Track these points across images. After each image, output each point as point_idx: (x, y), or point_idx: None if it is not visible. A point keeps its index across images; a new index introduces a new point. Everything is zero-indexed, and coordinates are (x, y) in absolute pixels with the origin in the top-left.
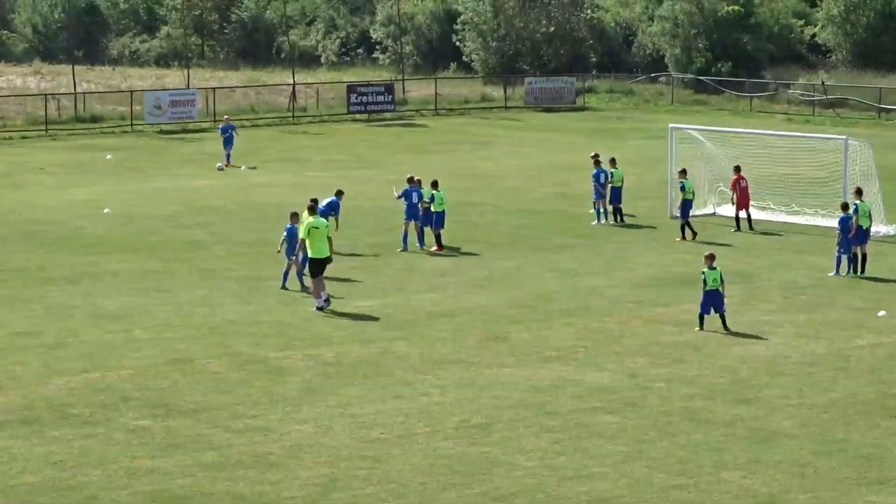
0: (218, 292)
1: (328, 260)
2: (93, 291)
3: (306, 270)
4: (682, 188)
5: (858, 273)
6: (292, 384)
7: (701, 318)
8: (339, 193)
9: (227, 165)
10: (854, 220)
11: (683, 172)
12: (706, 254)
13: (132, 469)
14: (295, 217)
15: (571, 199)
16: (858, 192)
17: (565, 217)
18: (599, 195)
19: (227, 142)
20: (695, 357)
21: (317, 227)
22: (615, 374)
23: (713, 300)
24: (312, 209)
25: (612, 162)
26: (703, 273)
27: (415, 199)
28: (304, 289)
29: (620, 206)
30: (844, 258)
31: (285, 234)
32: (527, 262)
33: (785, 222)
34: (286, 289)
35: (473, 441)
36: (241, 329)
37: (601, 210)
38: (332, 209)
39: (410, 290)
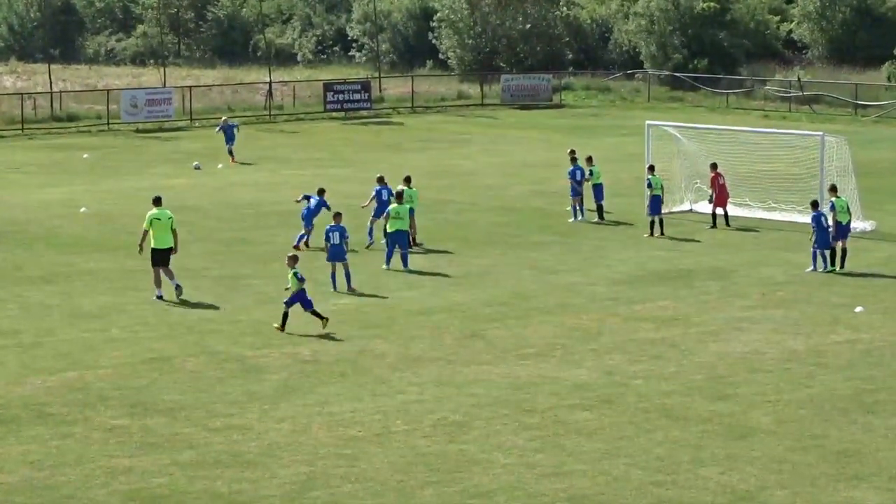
0: (195, 291)
1: (170, 251)
2: (70, 291)
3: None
4: (649, 185)
5: (837, 268)
6: (270, 382)
7: (285, 315)
8: (322, 192)
9: (232, 162)
10: (832, 216)
11: (651, 169)
12: (289, 255)
13: (109, 468)
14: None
15: (548, 196)
16: (833, 189)
17: (542, 214)
18: (576, 192)
19: (229, 138)
20: (672, 354)
21: (159, 219)
22: (593, 372)
23: (301, 298)
24: (157, 201)
25: (589, 160)
26: (296, 272)
27: (384, 196)
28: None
29: (602, 202)
30: (819, 254)
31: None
32: (504, 260)
33: (762, 219)
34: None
35: (451, 439)
36: (218, 327)
37: (577, 207)
38: (321, 207)
39: (388, 288)
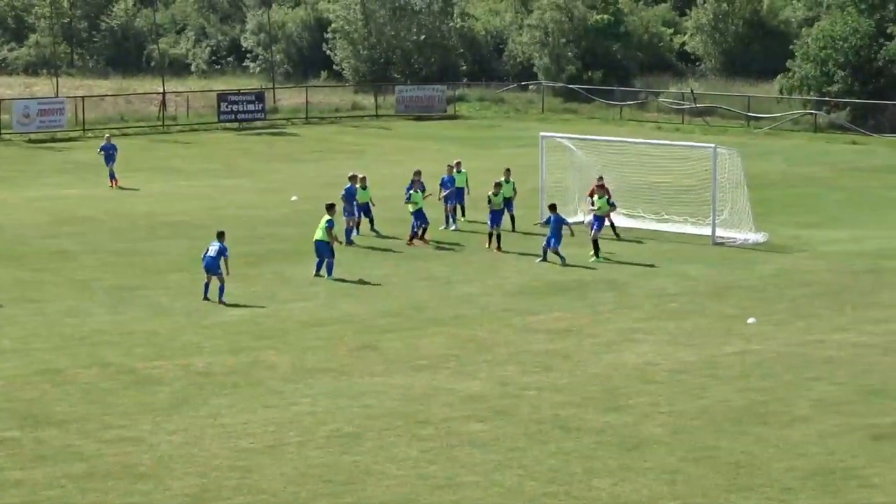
0: (87, 302)
1: None
2: None
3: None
4: (488, 200)
5: (600, 257)
6: (162, 394)
7: None
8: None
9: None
10: (592, 213)
11: (497, 185)
12: None
13: (0, 481)
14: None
15: (442, 206)
16: (592, 193)
17: (437, 224)
18: (447, 201)
19: (109, 158)
20: (565, 365)
21: None
22: (486, 383)
23: None
24: None
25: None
26: None
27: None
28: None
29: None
30: (550, 251)
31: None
32: (398, 271)
33: (654, 230)
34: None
35: (345, 450)
36: (110, 339)
37: (449, 216)
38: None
39: (281, 298)
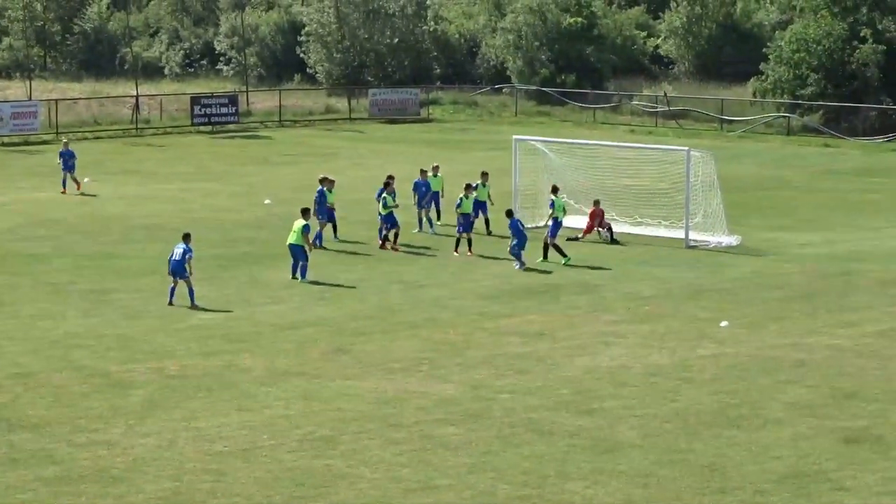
0: (60, 305)
1: None
2: None
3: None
4: (458, 205)
5: (563, 260)
6: (135, 397)
7: None
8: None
9: (63, 192)
10: (551, 213)
11: (468, 187)
12: None
13: None
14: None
15: (415, 210)
16: (554, 190)
17: (409, 227)
18: (420, 205)
19: (68, 166)
20: (539, 368)
21: None
22: (459, 386)
23: None
24: None
25: (436, 169)
26: None
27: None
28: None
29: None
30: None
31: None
32: (371, 274)
33: (628, 233)
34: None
35: (318, 454)
36: (83, 342)
37: (422, 219)
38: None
39: (254, 302)
